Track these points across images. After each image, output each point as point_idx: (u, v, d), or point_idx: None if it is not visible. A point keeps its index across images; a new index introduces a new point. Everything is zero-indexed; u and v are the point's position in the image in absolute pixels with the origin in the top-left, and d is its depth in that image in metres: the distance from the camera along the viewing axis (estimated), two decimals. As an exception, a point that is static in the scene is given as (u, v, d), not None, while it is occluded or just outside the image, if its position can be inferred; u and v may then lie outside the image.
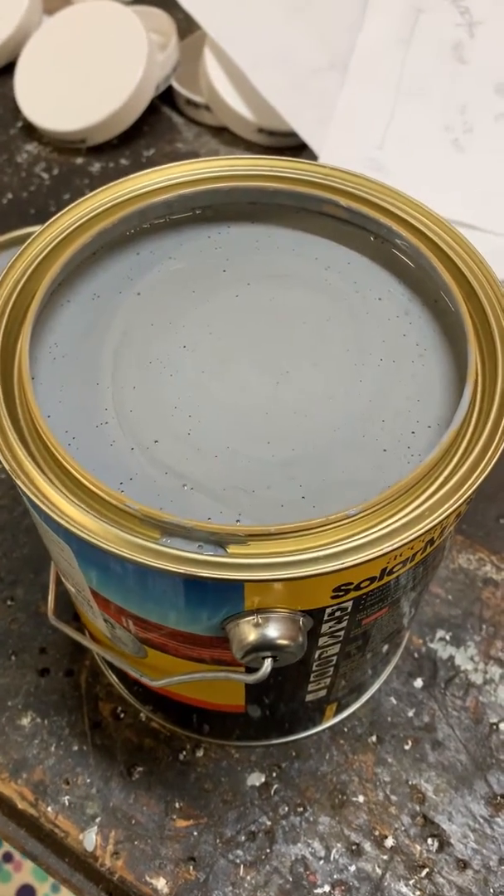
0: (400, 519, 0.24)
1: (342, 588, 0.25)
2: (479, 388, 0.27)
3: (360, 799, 0.38)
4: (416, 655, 0.42)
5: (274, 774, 0.39)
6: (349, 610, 0.27)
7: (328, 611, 0.26)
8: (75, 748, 0.40)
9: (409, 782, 0.39)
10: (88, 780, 0.39)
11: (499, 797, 0.38)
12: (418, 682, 0.42)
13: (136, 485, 0.26)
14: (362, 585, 0.25)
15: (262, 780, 0.39)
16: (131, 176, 0.32)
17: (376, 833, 0.38)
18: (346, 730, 0.40)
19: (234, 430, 0.28)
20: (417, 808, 0.38)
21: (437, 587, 0.44)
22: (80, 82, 0.66)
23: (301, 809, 0.38)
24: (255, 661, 0.26)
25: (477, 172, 0.59)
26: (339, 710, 0.40)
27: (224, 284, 0.31)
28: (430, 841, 0.37)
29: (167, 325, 0.30)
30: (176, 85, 0.68)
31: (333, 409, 0.28)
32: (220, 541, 0.24)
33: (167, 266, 0.32)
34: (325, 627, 0.28)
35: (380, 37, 0.63)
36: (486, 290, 0.29)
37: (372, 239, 0.32)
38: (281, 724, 0.38)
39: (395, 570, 0.26)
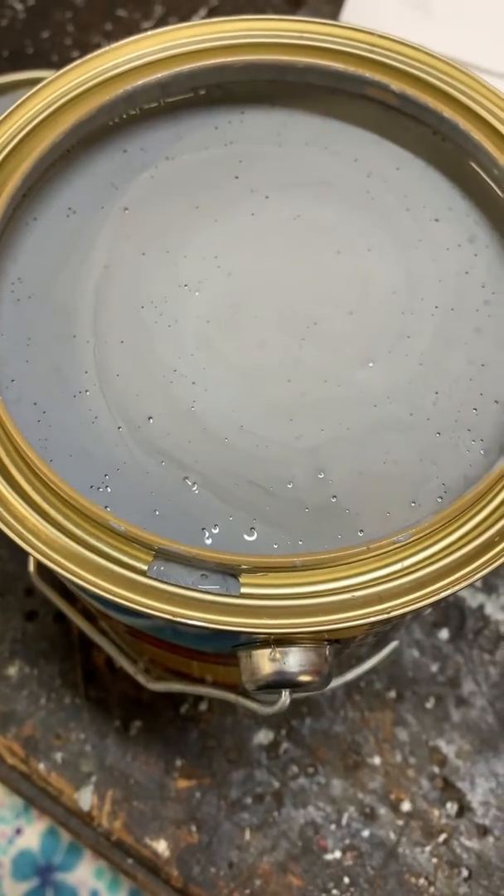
0: (463, 541, 0.19)
1: (380, 622, 0.20)
2: None
3: (376, 760, 0.36)
4: (442, 604, 0.38)
5: (283, 732, 0.36)
6: (385, 631, 0.22)
7: (360, 636, 0.22)
8: (67, 701, 0.36)
9: (430, 743, 0.36)
10: (82, 736, 0.36)
11: (525, 759, 0.36)
12: (444, 634, 0.38)
13: (123, 478, 0.21)
14: (407, 617, 0.20)
15: (271, 738, 0.36)
16: (114, 45, 0.24)
17: (392, 797, 0.35)
18: (362, 685, 0.37)
19: (249, 404, 0.22)
20: (437, 770, 0.35)
21: (469, 526, 0.40)
22: None
23: (312, 771, 0.35)
24: (269, 694, 0.22)
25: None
26: (355, 664, 0.36)
27: (236, 197, 0.24)
28: (449, 806, 0.35)
29: (163, 255, 0.23)
30: None
31: (373, 376, 0.22)
32: (227, 571, 0.19)
33: (162, 169, 0.25)
34: (355, 643, 0.23)
35: None
36: None
37: (432, 135, 0.25)
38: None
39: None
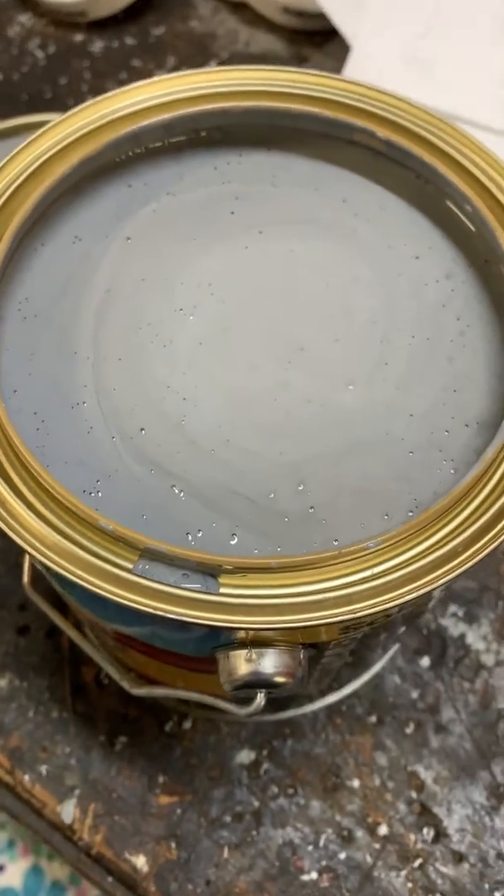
0: (429, 551, 0.20)
1: (352, 627, 0.21)
2: (531, 382, 0.23)
3: (355, 783, 0.36)
4: (424, 632, 0.39)
5: (265, 753, 0.37)
6: (359, 637, 0.23)
7: (334, 641, 0.23)
8: (55, 714, 0.37)
9: (408, 768, 0.37)
10: (68, 750, 0.37)
11: (502, 787, 0.36)
12: (425, 661, 0.39)
13: (114, 485, 0.22)
14: (376, 623, 0.22)
15: (252, 758, 0.37)
16: (123, 89, 0.26)
17: (369, 820, 0.36)
18: (344, 708, 0.38)
19: (237, 421, 0.23)
20: (415, 795, 0.36)
21: (453, 557, 0.41)
22: None
23: (291, 791, 0.36)
24: (245, 694, 0.23)
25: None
26: (337, 688, 0.37)
27: (232, 231, 0.26)
28: (425, 831, 0.35)
29: (161, 282, 0.25)
30: None
31: (353, 398, 0.24)
32: (207, 570, 0.20)
33: (164, 203, 0.27)
34: (330, 652, 0.24)
35: None
36: (549, 258, 0.24)
37: (415, 179, 0.27)
38: (274, 700, 0.36)
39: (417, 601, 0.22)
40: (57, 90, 0.56)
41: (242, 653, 0.22)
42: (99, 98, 0.26)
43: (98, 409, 0.23)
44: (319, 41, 0.58)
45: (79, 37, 0.59)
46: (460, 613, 0.40)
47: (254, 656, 0.22)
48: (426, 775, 0.36)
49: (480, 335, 0.24)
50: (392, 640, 0.36)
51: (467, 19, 0.53)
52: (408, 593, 0.19)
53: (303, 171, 0.27)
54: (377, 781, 0.36)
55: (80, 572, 0.20)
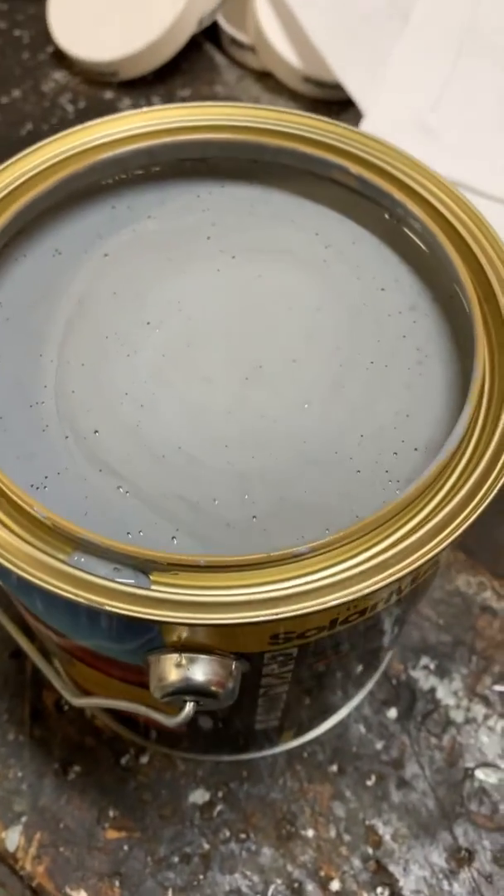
0: (359, 564, 0.20)
1: (282, 636, 0.21)
2: (484, 410, 0.23)
3: (310, 833, 0.35)
4: (393, 682, 0.38)
5: (220, 794, 0.36)
6: (295, 655, 0.23)
7: (268, 655, 0.23)
8: (11, 737, 0.37)
9: (367, 822, 0.35)
10: (20, 774, 0.36)
11: (463, 851, 0.35)
12: (392, 713, 0.38)
13: (62, 481, 0.23)
14: (308, 635, 0.21)
15: (206, 798, 0.36)
16: (114, 116, 0.27)
17: (322, 873, 0.34)
18: (305, 754, 0.37)
19: (190, 429, 0.24)
20: (371, 851, 0.35)
21: (429, 609, 0.40)
22: (118, 9, 0.60)
23: (243, 836, 0.35)
24: (176, 703, 0.22)
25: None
26: (299, 734, 0.36)
27: (206, 254, 0.27)
28: (379, 890, 0.34)
29: (132, 297, 0.26)
30: (222, 21, 0.63)
31: (306, 416, 0.24)
32: (140, 566, 0.20)
33: (144, 226, 0.28)
34: (267, 670, 0.24)
35: (449, -14, 0.56)
36: (508, 293, 0.24)
37: (386, 217, 0.28)
38: (234, 740, 0.35)
39: (350, 619, 0.22)
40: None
41: (173, 657, 0.22)
42: (88, 124, 0.27)
43: (55, 409, 0.24)
44: (337, 109, 0.60)
45: (109, 94, 0.62)
46: (432, 666, 0.39)
47: (184, 661, 0.21)
48: (384, 831, 0.35)
49: (438, 365, 0.25)
50: (353, 683, 0.35)
51: (476, 94, 0.55)
52: (332, 600, 0.19)
53: (280, 203, 0.28)
54: (333, 833, 0.35)
55: (16, 560, 0.20)
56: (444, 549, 0.20)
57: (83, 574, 0.20)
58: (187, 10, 0.59)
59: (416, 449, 0.23)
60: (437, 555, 0.20)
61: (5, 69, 0.63)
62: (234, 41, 0.63)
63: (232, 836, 0.35)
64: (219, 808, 0.36)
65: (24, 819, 0.35)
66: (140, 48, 0.59)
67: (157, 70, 0.61)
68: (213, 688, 0.22)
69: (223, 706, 0.22)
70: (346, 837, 0.35)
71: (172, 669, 0.21)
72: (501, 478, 0.21)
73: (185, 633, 0.21)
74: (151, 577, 0.20)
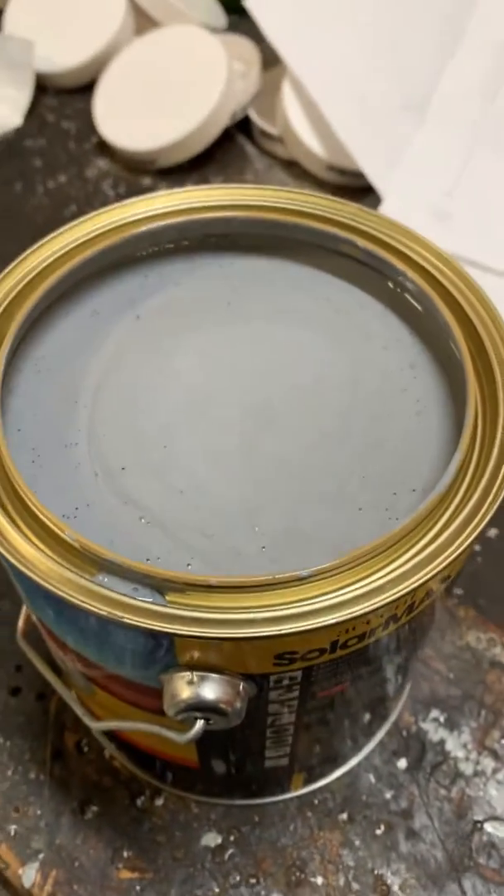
0: (358, 588, 0.22)
1: (285, 656, 0.23)
2: (475, 456, 0.25)
3: (319, 880, 0.36)
4: (404, 734, 0.39)
5: (231, 838, 0.37)
6: (299, 680, 0.25)
7: (273, 678, 0.24)
8: (32, 776, 0.38)
9: (375, 871, 0.36)
10: (39, 812, 0.37)
11: (471, 904, 0.35)
12: (402, 763, 0.39)
13: (90, 512, 0.25)
14: (310, 657, 0.23)
15: (218, 841, 0.37)
16: (148, 196, 0.31)
17: (330, 921, 0.35)
18: (316, 802, 0.38)
19: (207, 468, 0.26)
20: (379, 900, 0.35)
21: (439, 663, 0.41)
22: (157, 103, 0.66)
23: (254, 881, 0.36)
24: (187, 721, 0.24)
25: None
26: (310, 780, 0.37)
27: (227, 318, 0.30)
28: (387, 940, 0.34)
29: (160, 353, 0.29)
30: (253, 115, 0.68)
31: (314, 459, 0.26)
32: (157, 586, 0.22)
33: (172, 292, 0.31)
34: (273, 695, 0.25)
35: (464, 81, 0.61)
36: (498, 352, 0.27)
37: (390, 285, 0.30)
38: (246, 784, 0.36)
39: (349, 643, 0.23)
40: (121, 223, 0.63)
41: (185, 675, 0.23)
42: (125, 202, 0.31)
43: (87, 449, 0.26)
44: (359, 196, 0.65)
45: (147, 181, 0.67)
46: (441, 719, 0.40)
47: (195, 679, 0.23)
48: (392, 880, 0.36)
49: (435, 415, 0.27)
50: (362, 732, 0.36)
51: (491, 181, 0.59)
52: (332, 619, 0.21)
53: (294, 273, 0.31)
54: (342, 881, 0.36)
55: (49, 578, 0.22)
56: (435, 577, 0.22)
57: (107, 591, 0.22)
58: (221, 104, 0.64)
59: (413, 490, 0.25)
60: (428, 581, 0.22)
61: (53, 157, 0.69)
62: (263, 133, 0.68)
63: (242, 881, 0.36)
64: (230, 851, 0.36)
65: (41, 856, 0.36)
66: (176, 139, 0.64)
67: (192, 159, 0.67)
68: (223, 705, 0.23)
69: (231, 725, 0.24)
70: (355, 886, 0.35)
71: (184, 687, 0.23)
72: (489, 514, 0.23)
73: (196, 654, 0.23)
74: (167, 596, 0.22)
